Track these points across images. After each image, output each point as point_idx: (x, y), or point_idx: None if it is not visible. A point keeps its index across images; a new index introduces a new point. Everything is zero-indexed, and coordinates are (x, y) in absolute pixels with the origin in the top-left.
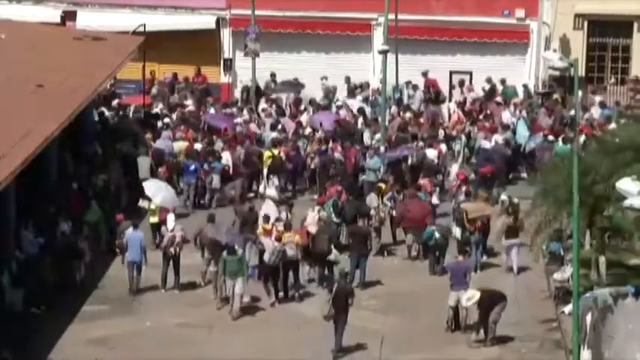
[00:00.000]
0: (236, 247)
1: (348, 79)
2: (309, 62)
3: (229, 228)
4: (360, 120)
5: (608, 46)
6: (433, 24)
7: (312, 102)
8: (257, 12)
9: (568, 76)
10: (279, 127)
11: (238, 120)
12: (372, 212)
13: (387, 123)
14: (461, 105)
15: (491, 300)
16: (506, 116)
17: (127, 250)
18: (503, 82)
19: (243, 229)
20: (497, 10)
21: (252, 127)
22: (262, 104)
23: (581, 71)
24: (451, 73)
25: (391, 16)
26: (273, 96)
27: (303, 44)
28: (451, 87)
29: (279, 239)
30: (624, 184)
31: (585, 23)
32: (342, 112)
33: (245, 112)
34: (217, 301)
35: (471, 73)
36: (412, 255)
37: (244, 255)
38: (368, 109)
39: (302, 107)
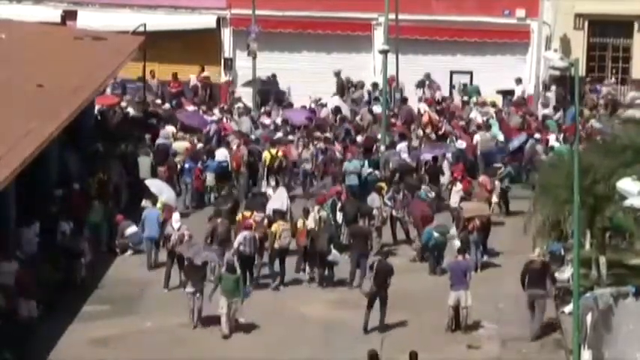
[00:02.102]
0: (235, 265)
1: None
2: (310, 62)
3: (205, 245)
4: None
5: (609, 46)
6: (433, 24)
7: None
8: (257, 12)
9: (568, 76)
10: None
11: (213, 118)
12: (375, 212)
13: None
14: (434, 104)
15: (534, 274)
16: (474, 115)
17: (145, 226)
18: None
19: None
20: (498, 10)
21: (233, 125)
22: (239, 103)
23: (582, 71)
24: (452, 73)
25: (391, 16)
26: (237, 95)
27: (304, 44)
28: (451, 87)
29: (249, 227)
30: (625, 184)
31: (586, 23)
32: (325, 111)
33: (216, 111)
34: (193, 323)
35: (471, 73)
36: (424, 256)
37: (242, 275)
38: (345, 109)
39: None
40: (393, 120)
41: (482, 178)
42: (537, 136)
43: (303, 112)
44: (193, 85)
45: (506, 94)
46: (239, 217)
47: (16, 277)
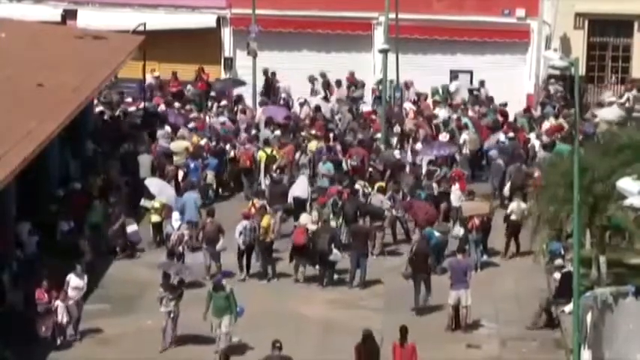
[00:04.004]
0: (224, 283)
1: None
2: (310, 61)
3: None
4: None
5: (609, 46)
6: (433, 23)
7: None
8: (257, 11)
9: (568, 76)
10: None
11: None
12: (387, 213)
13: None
14: (416, 103)
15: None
16: (442, 114)
17: (184, 210)
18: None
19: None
20: (498, 9)
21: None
22: (223, 101)
23: (582, 71)
24: (451, 72)
25: (391, 16)
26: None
27: (304, 43)
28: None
29: (248, 217)
30: (625, 183)
31: (586, 22)
32: (305, 109)
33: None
34: (162, 344)
35: (471, 73)
36: None
37: (232, 292)
38: (326, 107)
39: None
40: (373, 117)
41: (537, 173)
42: (511, 134)
43: (283, 110)
44: (149, 83)
45: (473, 91)
46: (249, 205)
47: None
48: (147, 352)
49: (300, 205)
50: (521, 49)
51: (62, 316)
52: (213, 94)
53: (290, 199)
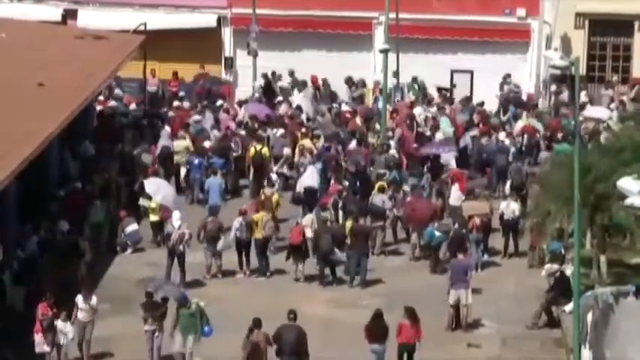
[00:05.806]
0: (190, 299)
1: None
2: (310, 61)
3: (166, 280)
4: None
5: (609, 45)
6: (434, 23)
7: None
8: (258, 11)
9: (569, 75)
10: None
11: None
12: (388, 213)
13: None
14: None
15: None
16: (418, 112)
17: (208, 195)
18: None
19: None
20: (499, 9)
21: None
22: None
23: (582, 70)
24: (452, 72)
25: (392, 15)
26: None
27: (304, 43)
28: (452, 86)
29: (244, 213)
30: (625, 182)
31: (586, 22)
32: (284, 107)
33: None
34: None
35: (472, 72)
36: (416, 254)
37: (198, 310)
38: (308, 107)
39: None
40: (348, 116)
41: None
42: (474, 133)
43: (264, 108)
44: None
45: (442, 90)
46: (262, 196)
47: None
48: (147, 353)
49: (311, 195)
50: (522, 49)
51: (60, 335)
52: (182, 93)
53: (299, 190)
